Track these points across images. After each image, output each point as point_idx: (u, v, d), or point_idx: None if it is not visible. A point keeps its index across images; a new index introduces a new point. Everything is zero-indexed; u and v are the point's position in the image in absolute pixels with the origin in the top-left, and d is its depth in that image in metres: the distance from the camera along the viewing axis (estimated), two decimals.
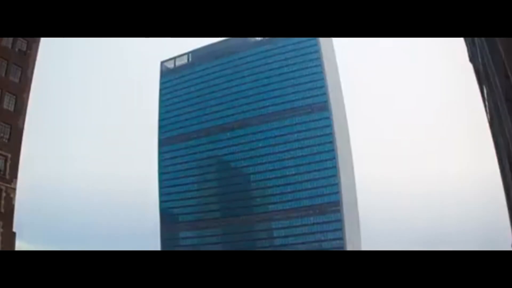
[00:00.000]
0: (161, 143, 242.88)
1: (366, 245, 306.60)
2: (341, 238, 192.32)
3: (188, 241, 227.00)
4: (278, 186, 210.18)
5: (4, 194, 48.27)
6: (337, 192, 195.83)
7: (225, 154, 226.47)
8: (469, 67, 46.78)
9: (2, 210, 48.02)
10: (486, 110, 43.78)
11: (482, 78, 39.96)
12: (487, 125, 45.55)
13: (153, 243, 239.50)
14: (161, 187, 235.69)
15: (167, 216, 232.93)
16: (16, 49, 52.85)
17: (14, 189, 49.48)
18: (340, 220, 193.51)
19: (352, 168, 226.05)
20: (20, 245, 54.34)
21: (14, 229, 49.41)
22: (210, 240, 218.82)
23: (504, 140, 39.48)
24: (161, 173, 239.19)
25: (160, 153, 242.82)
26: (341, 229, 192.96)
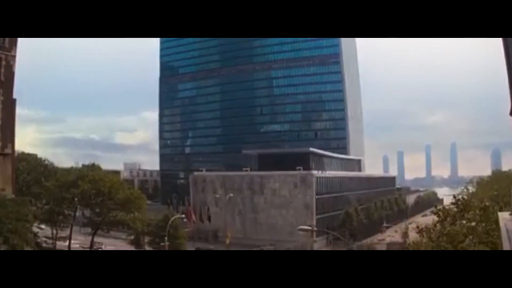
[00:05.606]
0: None
1: (366, 100, 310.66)
2: (341, 90, 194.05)
3: (186, 92, 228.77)
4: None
5: (3, 62, 47.87)
6: (337, 45, 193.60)
7: None
8: None
9: (2, 78, 47.89)
10: None
11: None
12: None
13: (152, 99, 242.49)
14: (162, 41, 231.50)
15: (167, 70, 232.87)
16: None
17: (14, 56, 48.89)
18: (339, 72, 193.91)
19: None
20: (20, 111, 54.85)
21: (14, 96, 49.68)
22: (208, 90, 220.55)
23: None
24: None
25: None
26: (340, 81, 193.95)
